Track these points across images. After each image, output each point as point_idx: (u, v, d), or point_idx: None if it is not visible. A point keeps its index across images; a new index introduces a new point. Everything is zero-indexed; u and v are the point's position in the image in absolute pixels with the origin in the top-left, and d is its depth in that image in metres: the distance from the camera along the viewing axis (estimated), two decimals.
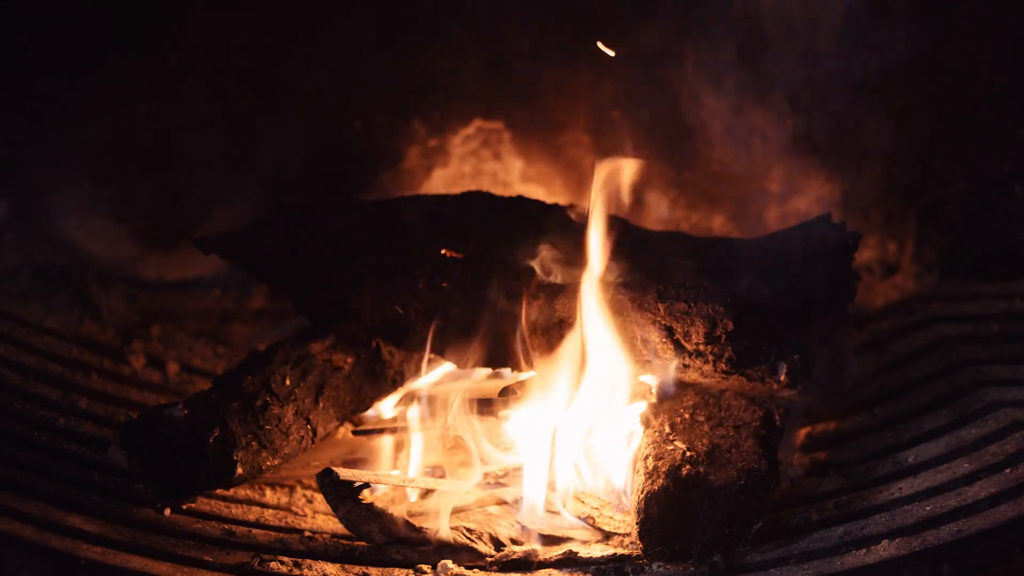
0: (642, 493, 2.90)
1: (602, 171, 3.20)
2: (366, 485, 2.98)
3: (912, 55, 3.98)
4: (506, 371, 3.24)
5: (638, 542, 2.90)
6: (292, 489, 3.31)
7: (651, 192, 4.07)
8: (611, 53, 3.16)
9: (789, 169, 4.06)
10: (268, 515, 3.17)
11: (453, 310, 3.18)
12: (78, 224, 4.04)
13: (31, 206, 4.01)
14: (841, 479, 3.22)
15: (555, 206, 3.50)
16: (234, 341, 4.00)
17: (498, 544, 3.00)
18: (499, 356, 3.18)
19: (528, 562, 2.94)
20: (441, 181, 4.16)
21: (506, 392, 3.11)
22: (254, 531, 3.06)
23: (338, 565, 2.91)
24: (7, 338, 3.68)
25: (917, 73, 4.05)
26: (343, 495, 2.97)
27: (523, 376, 3.19)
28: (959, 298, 4.03)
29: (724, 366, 3.04)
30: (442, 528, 2.97)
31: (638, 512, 2.90)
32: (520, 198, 3.55)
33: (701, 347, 3.03)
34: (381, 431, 3.29)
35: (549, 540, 3.03)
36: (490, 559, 2.95)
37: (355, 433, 3.32)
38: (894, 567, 2.79)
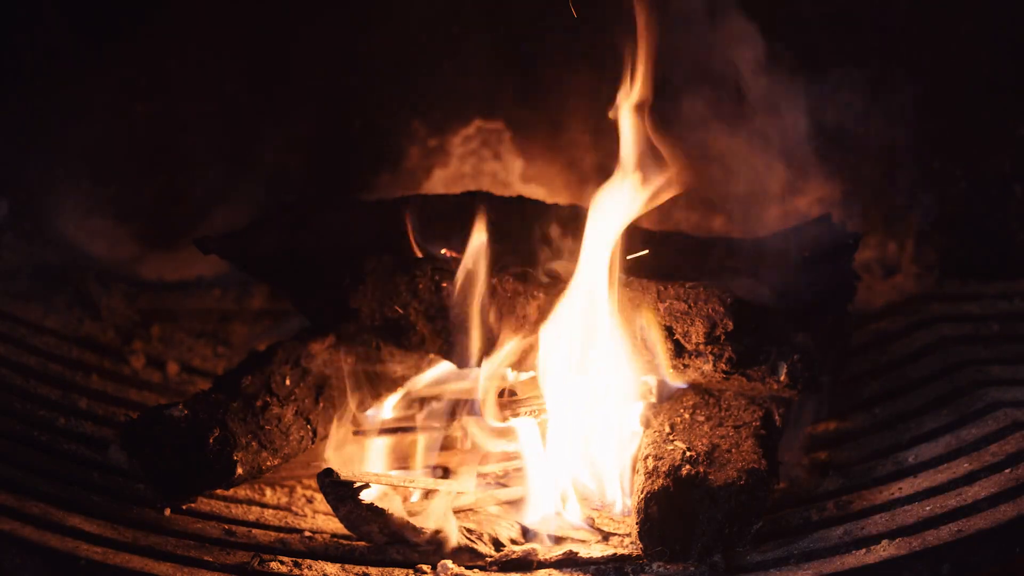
0: (642, 493, 2.90)
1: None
2: (366, 485, 2.98)
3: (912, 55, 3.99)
4: (506, 371, 3.24)
5: (638, 542, 2.90)
6: (292, 489, 3.31)
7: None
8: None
9: (789, 169, 4.06)
10: (268, 515, 3.17)
11: (453, 310, 3.18)
12: (78, 224, 4.03)
13: (31, 206, 4.01)
14: (841, 479, 3.22)
15: (555, 206, 3.50)
16: (234, 341, 4.00)
17: (498, 544, 3.00)
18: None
19: (528, 562, 2.94)
20: (441, 181, 4.16)
21: (506, 393, 3.11)
22: (254, 531, 3.06)
23: (338, 565, 2.91)
24: (7, 338, 3.68)
25: (917, 73, 4.05)
26: (343, 495, 2.96)
27: (523, 376, 3.19)
28: (959, 298, 4.03)
29: (724, 366, 3.03)
30: (442, 528, 2.97)
31: (638, 512, 2.90)
32: (520, 198, 3.55)
33: (701, 347, 3.03)
34: (383, 431, 3.29)
35: (549, 540, 3.03)
36: (490, 559, 2.95)
37: (355, 433, 3.32)
38: (894, 567, 2.79)
